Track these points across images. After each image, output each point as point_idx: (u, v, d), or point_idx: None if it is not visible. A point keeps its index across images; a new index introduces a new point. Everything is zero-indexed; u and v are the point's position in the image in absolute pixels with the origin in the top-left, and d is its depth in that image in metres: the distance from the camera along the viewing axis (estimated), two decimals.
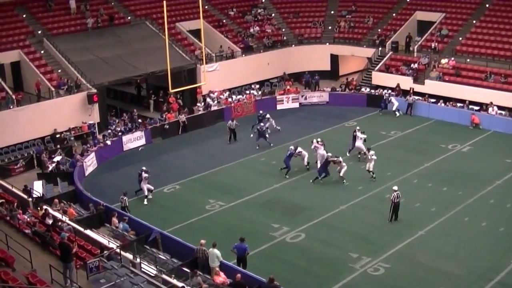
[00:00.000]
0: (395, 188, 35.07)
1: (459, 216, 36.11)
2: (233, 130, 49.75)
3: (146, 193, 39.71)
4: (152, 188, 40.14)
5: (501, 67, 56.14)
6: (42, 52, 54.75)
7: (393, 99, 55.40)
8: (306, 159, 43.68)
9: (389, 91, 57.63)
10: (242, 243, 29.42)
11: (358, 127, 45.83)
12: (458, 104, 53.97)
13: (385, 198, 37.96)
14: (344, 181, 41.01)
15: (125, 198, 36.60)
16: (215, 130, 52.43)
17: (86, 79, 52.31)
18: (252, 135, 48.99)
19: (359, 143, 45.01)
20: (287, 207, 38.17)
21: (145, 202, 39.48)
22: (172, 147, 49.12)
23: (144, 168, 40.68)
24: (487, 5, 64.03)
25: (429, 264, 31.27)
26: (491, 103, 51.92)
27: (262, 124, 49.18)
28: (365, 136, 45.06)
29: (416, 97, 55.38)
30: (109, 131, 49.36)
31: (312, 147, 44.04)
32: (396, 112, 54.60)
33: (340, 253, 32.40)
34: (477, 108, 52.91)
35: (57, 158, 44.30)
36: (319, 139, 44.69)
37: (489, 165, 43.86)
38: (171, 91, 49.43)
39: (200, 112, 54.65)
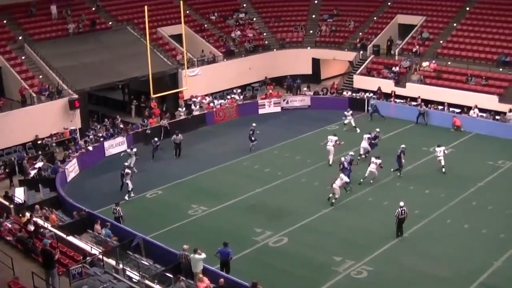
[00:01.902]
0: (401, 204, 34.07)
1: (441, 218, 36.26)
2: (178, 145, 48.52)
3: (129, 188, 40.58)
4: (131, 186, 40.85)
5: (482, 69, 56.54)
6: (24, 57, 54.52)
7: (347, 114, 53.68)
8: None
9: (371, 94, 58.03)
10: (225, 247, 29.36)
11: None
12: (440, 107, 54.23)
13: (368, 201, 38.36)
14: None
15: (118, 208, 35.99)
16: (197, 135, 52.35)
17: (67, 85, 52.09)
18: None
19: (364, 143, 45.69)
20: (270, 211, 38.15)
21: (127, 198, 40.38)
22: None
23: (126, 163, 41.70)
24: (467, 9, 64.41)
25: (412, 266, 31.40)
26: (476, 106, 52.24)
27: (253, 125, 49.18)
28: (369, 135, 45.94)
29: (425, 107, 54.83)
30: (91, 136, 49.13)
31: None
32: (357, 129, 52.45)
33: (324, 256, 32.41)
34: (458, 110, 53.19)
35: (39, 164, 44.11)
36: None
37: (471, 167, 44.13)
38: (153, 96, 49.30)
39: (182, 117, 54.55)
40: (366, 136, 46.02)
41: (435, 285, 29.82)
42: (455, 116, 52.19)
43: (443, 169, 42.67)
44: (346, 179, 38.54)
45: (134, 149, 46.05)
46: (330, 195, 38.47)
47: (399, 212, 33.74)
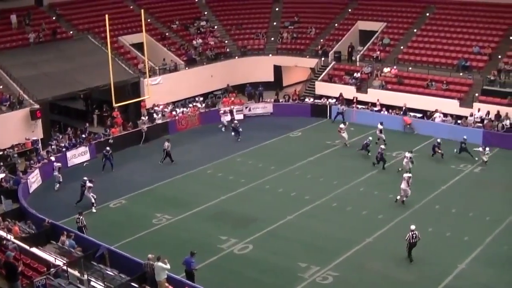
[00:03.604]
0: (412, 227, 32.05)
1: (405, 222, 36.17)
2: (167, 152, 48.30)
3: (93, 200, 39.97)
4: (95, 197, 40.22)
5: (443, 74, 57.09)
6: None
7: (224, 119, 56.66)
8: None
9: (334, 100, 58.35)
10: (191, 257, 29.25)
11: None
12: (401, 112, 54.68)
13: (332, 207, 38.51)
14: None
15: (81, 217, 35.57)
16: (160, 144, 52.02)
17: (28, 95, 51.60)
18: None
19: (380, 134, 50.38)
20: (235, 218, 38.09)
21: (94, 210, 39.80)
22: (117, 161, 48.32)
23: (85, 178, 40.79)
24: (427, 14, 65.07)
25: (377, 270, 31.55)
26: (437, 110, 52.84)
27: (236, 121, 53.56)
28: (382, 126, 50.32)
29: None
30: (53, 146, 48.69)
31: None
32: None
33: (289, 262, 32.41)
34: (419, 115, 53.72)
35: (1, 175, 43.59)
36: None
37: (434, 171, 44.59)
38: (115, 105, 49.01)
39: (145, 126, 54.24)
40: (379, 126, 50.27)
41: None
42: (404, 116, 53.63)
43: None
44: (407, 175, 39.31)
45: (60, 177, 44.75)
46: (402, 197, 39.08)
47: (410, 236, 31.89)
